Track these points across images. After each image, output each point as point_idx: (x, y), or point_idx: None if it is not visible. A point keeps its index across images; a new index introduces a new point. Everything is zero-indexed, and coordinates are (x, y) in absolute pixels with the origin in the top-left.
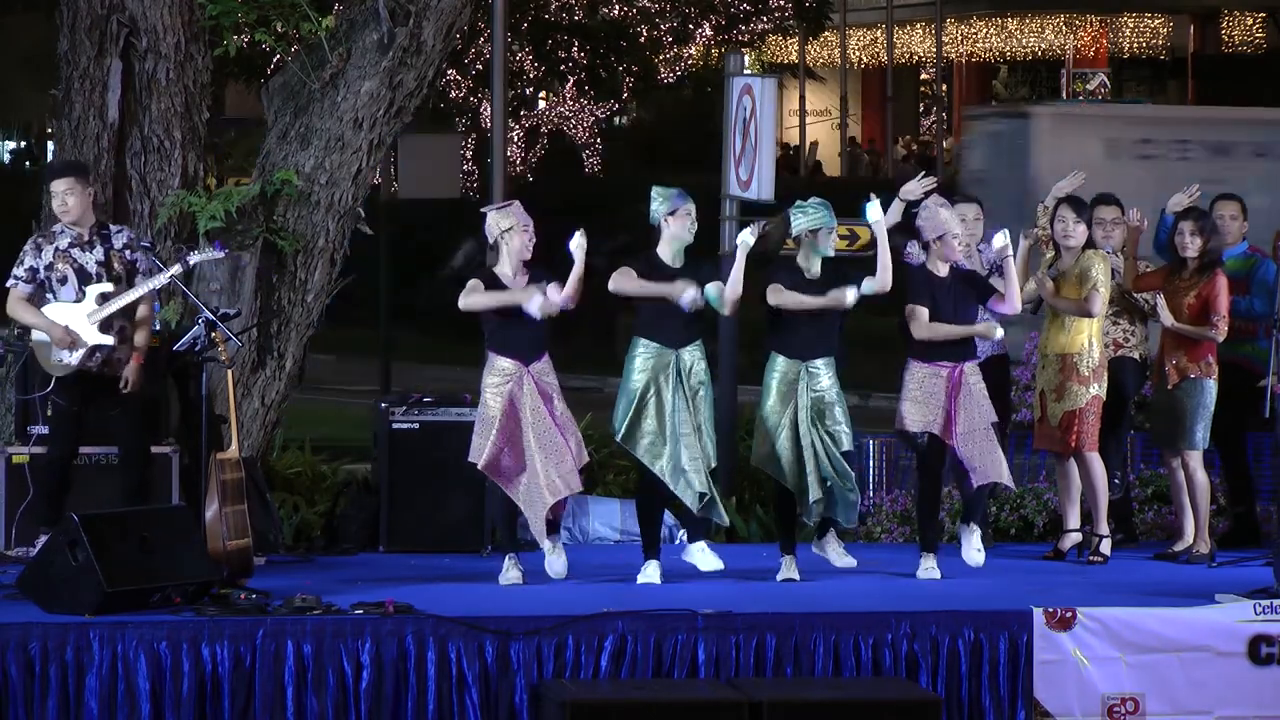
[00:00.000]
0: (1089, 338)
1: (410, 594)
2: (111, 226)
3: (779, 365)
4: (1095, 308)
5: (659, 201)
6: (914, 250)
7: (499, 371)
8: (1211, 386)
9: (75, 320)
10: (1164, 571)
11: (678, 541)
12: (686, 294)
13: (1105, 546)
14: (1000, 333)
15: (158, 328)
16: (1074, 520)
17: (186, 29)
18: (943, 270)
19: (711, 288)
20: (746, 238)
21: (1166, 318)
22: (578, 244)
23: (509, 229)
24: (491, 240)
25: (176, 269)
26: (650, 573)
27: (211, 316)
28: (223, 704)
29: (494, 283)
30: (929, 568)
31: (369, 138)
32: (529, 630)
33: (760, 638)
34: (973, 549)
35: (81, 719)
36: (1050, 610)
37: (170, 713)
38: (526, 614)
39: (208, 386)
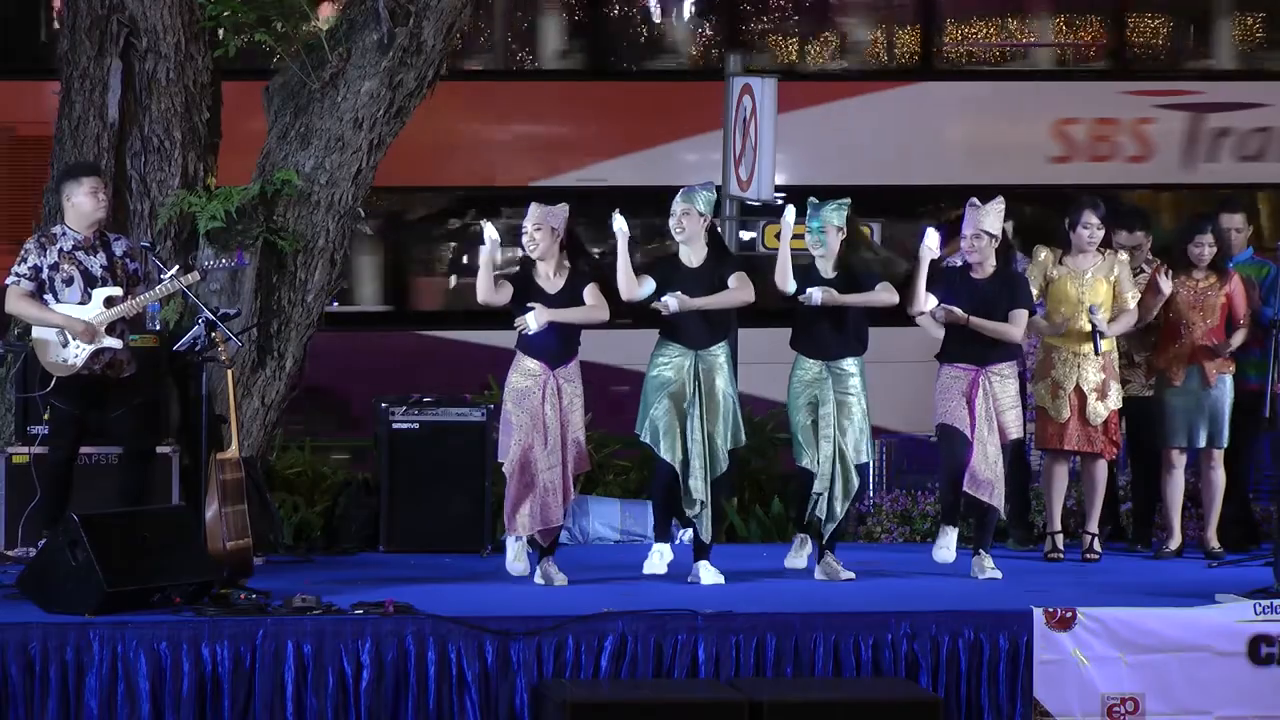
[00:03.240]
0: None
1: (410, 594)
2: (110, 234)
3: (802, 365)
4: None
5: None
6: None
7: (525, 373)
8: (1232, 382)
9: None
10: (1164, 571)
11: (678, 541)
12: (667, 303)
13: (1097, 544)
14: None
15: (158, 328)
16: (1059, 519)
17: (186, 29)
18: (981, 272)
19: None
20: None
21: (1167, 285)
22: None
23: (524, 230)
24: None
25: (193, 276)
26: (658, 560)
27: (211, 316)
28: (223, 704)
29: (528, 282)
30: (945, 546)
31: (369, 138)
32: (529, 630)
33: (760, 638)
34: (983, 573)
35: (81, 719)
36: (1050, 610)
37: (170, 713)
38: (526, 614)
39: (208, 386)
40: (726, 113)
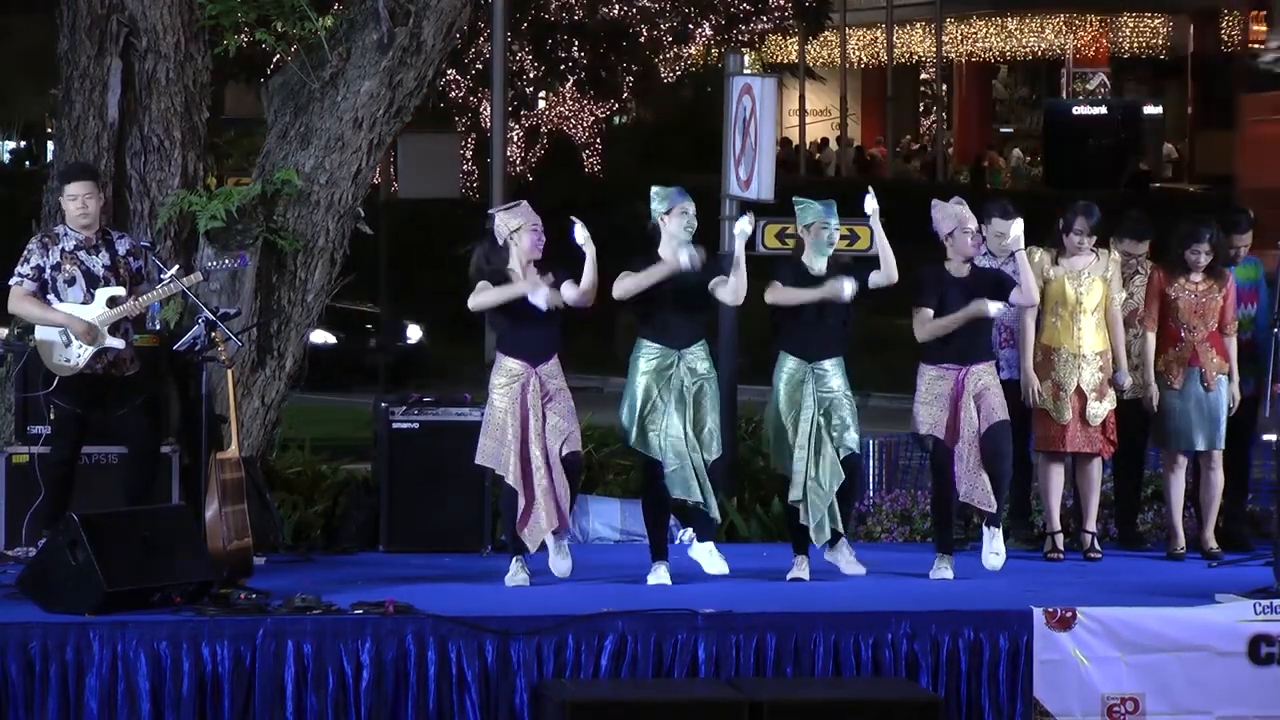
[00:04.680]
0: None
1: (410, 594)
2: (113, 232)
3: (788, 366)
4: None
5: (657, 201)
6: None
7: (506, 372)
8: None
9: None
10: (1164, 571)
11: (678, 541)
12: (682, 256)
13: (1097, 543)
14: (995, 309)
15: (158, 327)
16: (1059, 519)
17: (186, 29)
18: (961, 270)
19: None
20: (744, 226)
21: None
22: (584, 236)
23: (517, 229)
24: (501, 241)
25: (196, 276)
26: (660, 574)
27: (211, 316)
28: (223, 704)
29: (505, 282)
30: (942, 569)
31: (369, 137)
32: (529, 630)
33: (760, 638)
34: (990, 552)
35: (81, 719)
36: (1050, 610)
37: (170, 713)
38: (526, 614)
39: (208, 386)
40: (726, 113)
